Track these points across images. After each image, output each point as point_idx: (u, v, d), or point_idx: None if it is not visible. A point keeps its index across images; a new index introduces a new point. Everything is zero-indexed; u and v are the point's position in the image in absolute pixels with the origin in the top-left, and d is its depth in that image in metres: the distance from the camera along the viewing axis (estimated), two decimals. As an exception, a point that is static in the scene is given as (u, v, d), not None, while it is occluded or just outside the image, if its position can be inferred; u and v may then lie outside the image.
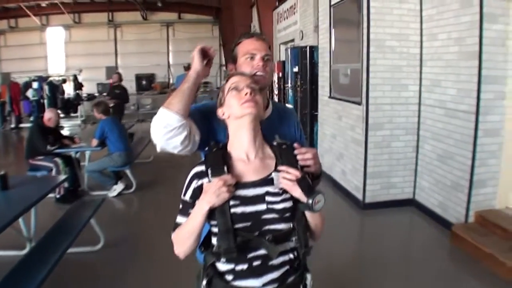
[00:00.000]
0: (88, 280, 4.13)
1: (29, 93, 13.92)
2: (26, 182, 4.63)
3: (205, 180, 1.58)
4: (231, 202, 1.52)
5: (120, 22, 31.66)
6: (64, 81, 15.60)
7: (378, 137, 5.50)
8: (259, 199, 1.56)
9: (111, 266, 4.39)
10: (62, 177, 5.79)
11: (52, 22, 30.58)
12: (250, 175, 1.59)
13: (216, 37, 32.43)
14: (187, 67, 12.86)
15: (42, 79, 14.30)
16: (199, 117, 1.79)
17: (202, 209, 1.50)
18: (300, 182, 1.53)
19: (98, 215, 4.73)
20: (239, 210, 1.52)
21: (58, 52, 31.28)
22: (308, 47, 7.78)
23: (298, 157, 1.64)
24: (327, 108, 7.06)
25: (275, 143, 1.69)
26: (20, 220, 4.63)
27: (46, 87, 14.09)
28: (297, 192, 1.53)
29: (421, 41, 5.27)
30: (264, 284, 1.54)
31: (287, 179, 1.54)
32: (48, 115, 6.56)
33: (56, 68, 28.36)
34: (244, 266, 1.54)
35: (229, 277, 1.56)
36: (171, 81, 32.54)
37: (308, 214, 1.60)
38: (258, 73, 1.80)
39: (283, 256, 1.58)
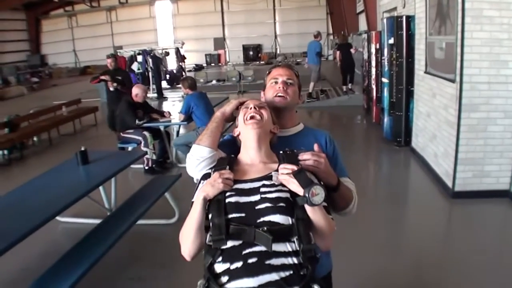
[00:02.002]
0: (160, 252, 4.27)
1: (134, 66, 14.61)
2: (107, 156, 4.87)
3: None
4: (227, 193, 1.55)
5: (226, -7, 32.22)
6: (167, 54, 16.15)
7: (473, 120, 4.93)
8: (254, 191, 1.57)
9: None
10: (145, 150, 6.07)
11: (161, -4, 31.97)
12: (251, 175, 1.65)
13: (323, 6, 31.93)
14: (316, 35, 12.90)
15: (146, 53, 14.91)
16: (228, 145, 1.97)
17: (198, 198, 1.55)
18: (296, 175, 1.52)
19: (180, 188, 4.85)
20: (233, 199, 1.54)
21: (166, 25, 32.77)
22: (404, 17, 7.21)
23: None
24: (422, 83, 6.54)
25: (281, 152, 1.74)
26: (102, 192, 4.91)
27: (150, 60, 14.68)
28: (294, 185, 1.51)
29: (526, 10, 4.57)
30: (261, 286, 1.41)
31: (283, 174, 1.55)
32: (135, 91, 6.80)
33: (165, 40, 29.71)
34: (239, 264, 1.44)
35: (224, 279, 1.46)
36: (278, 52, 32.68)
37: (309, 210, 1.51)
38: (279, 94, 1.94)
39: (284, 257, 1.46)
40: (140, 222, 4.15)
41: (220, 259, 1.48)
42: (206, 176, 1.69)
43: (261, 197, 1.54)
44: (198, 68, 22.58)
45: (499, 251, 4.11)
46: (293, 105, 2.02)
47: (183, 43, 17.15)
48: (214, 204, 1.54)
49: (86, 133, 10.78)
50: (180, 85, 16.02)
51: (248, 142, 1.75)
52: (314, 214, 1.52)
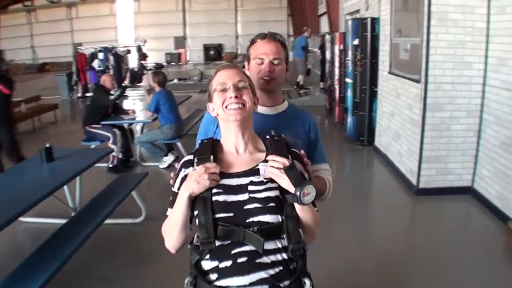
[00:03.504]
0: (127, 252, 4.20)
1: (95, 64, 14.41)
2: (72, 154, 4.73)
3: (190, 169, 1.54)
4: (214, 190, 1.46)
5: (188, -8, 32.05)
6: (128, 52, 15.93)
7: (437, 119, 5.08)
8: (241, 188, 1.49)
9: (150, 238, 4.41)
10: (112, 147, 5.95)
11: (122, -7, 31.51)
12: (237, 167, 1.55)
13: (284, 8, 32.21)
14: (304, 30, 13.36)
15: (107, 50, 14.69)
16: (209, 124, 1.98)
17: (183, 196, 1.46)
18: (288, 170, 1.44)
19: (146, 186, 4.76)
20: (220, 198, 1.46)
21: (127, 23, 32.27)
22: (369, 19, 7.35)
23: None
24: (387, 84, 6.68)
25: (268, 137, 1.64)
26: (66, 190, 4.77)
27: (111, 58, 14.47)
28: (285, 182, 1.44)
29: (488, 14, 4.70)
30: (252, 284, 1.40)
31: (274, 168, 1.47)
32: (102, 77, 6.99)
33: (125, 38, 29.25)
34: (228, 263, 1.42)
35: (213, 276, 1.44)
36: (239, 52, 32.70)
37: (298, 208, 1.48)
38: (265, 78, 1.86)
39: (274, 254, 1.44)
40: (106, 221, 4.03)
41: (207, 256, 1.45)
42: (187, 164, 1.57)
43: (249, 197, 1.47)
44: (158, 67, 22.24)
45: (461, 245, 4.27)
46: (280, 83, 1.95)
47: (145, 41, 16.92)
48: (200, 202, 1.46)
49: (46, 130, 10.45)
50: (140, 84, 15.98)
51: (231, 132, 1.58)
52: (303, 211, 1.49)
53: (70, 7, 31.42)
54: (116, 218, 4.56)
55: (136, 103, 13.24)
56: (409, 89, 5.57)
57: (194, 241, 1.49)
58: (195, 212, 1.48)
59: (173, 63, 29.56)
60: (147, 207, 4.81)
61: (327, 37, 11.63)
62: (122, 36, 30.88)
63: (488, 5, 4.69)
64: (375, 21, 7.25)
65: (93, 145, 6.47)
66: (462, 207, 5.06)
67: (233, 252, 1.42)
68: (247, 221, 1.43)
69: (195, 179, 1.43)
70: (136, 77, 15.55)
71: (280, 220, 1.46)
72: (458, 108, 5.03)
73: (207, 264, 1.46)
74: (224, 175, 1.49)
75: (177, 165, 1.66)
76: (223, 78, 1.58)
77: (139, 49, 16.23)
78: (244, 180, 1.50)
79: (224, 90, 1.56)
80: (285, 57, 1.94)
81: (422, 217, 5.07)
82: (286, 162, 1.46)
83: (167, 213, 1.58)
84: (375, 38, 7.27)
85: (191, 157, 1.59)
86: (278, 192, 1.48)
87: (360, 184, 6.28)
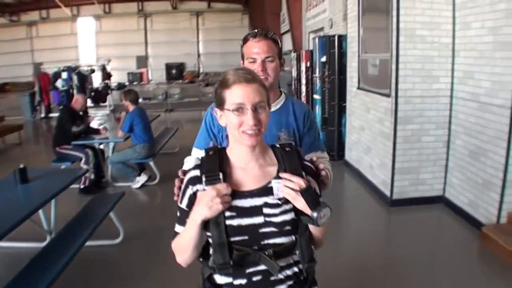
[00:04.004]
0: (106, 274, 4.10)
1: (59, 83, 14.15)
2: (46, 175, 4.60)
3: (200, 187, 1.46)
4: (227, 214, 1.41)
5: (150, 12, 31.98)
6: (92, 71, 15.73)
7: (408, 131, 5.27)
8: (256, 210, 1.43)
9: (130, 260, 4.38)
10: (85, 168, 5.84)
11: (83, 12, 31.12)
12: (248, 184, 1.47)
13: (245, 27, 32.39)
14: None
15: (71, 70, 14.48)
16: (216, 131, 2.02)
17: (195, 221, 1.40)
18: (304, 193, 1.39)
19: (120, 207, 4.70)
20: (235, 222, 1.41)
21: (89, 42, 31.86)
22: (336, 36, 7.56)
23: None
24: (355, 99, 6.86)
25: (277, 145, 1.56)
26: (41, 212, 4.64)
27: (75, 77, 14.27)
28: (301, 204, 1.40)
29: (454, 30, 4.98)
30: None
31: (289, 188, 1.40)
32: (75, 97, 6.89)
33: (87, 58, 28.83)
34: (243, 281, 1.43)
35: None
36: (201, 70, 32.76)
37: (311, 226, 1.46)
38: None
39: (287, 270, 1.46)
40: (83, 243, 3.94)
41: (222, 272, 1.45)
42: (194, 181, 1.48)
43: (265, 220, 1.43)
44: (120, 86, 22.01)
45: (437, 253, 4.39)
46: (275, 81, 1.96)
47: (109, 60, 16.75)
48: (213, 225, 1.40)
49: (11, 152, 10.16)
50: (104, 104, 15.79)
51: (242, 150, 1.49)
52: (317, 229, 1.48)
53: (30, 26, 30.71)
54: (93, 240, 4.46)
55: (101, 123, 13.07)
56: (379, 103, 5.75)
57: (210, 263, 1.47)
58: (208, 234, 1.45)
59: (135, 83, 29.32)
60: (124, 228, 4.74)
61: (292, 54, 11.82)
62: (83, 55, 30.41)
63: (453, 21, 4.96)
64: (342, 38, 7.46)
65: (63, 165, 6.35)
66: (435, 215, 5.23)
67: (247, 271, 1.43)
68: (262, 243, 1.42)
69: (206, 204, 1.36)
70: (101, 97, 15.34)
71: (294, 239, 1.46)
72: (428, 120, 5.23)
73: (220, 279, 1.47)
74: (235, 194, 1.43)
75: (180, 175, 1.63)
76: (241, 97, 1.42)
77: (103, 68, 16.06)
78: (257, 201, 1.44)
79: (241, 112, 1.43)
80: (277, 53, 1.96)
81: (397, 227, 5.19)
82: (302, 183, 1.40)
83: (176, 229, 1.54)
84: (342, 55, 7.47)
85: (197, 172, 1.48)
86: (293, 214, 1.44)
87: (334, 197, 6.32)
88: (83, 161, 6.28)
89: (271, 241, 1.42)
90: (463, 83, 4.92)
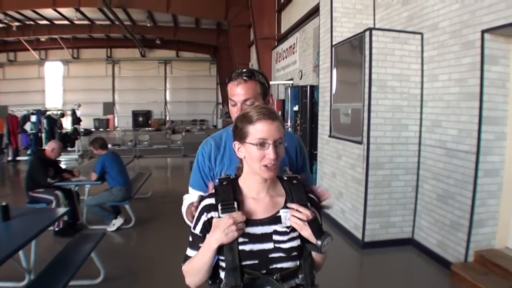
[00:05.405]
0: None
1: (27, 126, 13.95)
2: (27, 213, 4.61)
3: (214, 214, 1.59)
4: (240, 240, 1.54)
5: (118, 59, 32.28)
6: (62, 115, 15.63)
7: (379, 177, 5.53)
8: (266, 237, 1.58)
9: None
10: (62, 210, 5.81)
11: (51, 56, 31.18)
12: (259, 213, 1.61)
13: (213, 76, 33.00)
14: None
15: (40, 113, 14.34)
16: (207, 171, 2.05)
17: (211, 246, 1.53)
18: (311, 223, 1.54)
19: (97, 249, 4.70)
20: (247, 248, 1.55)
21: (56, 86, 31.68)
22: (308, 86, 7.94)
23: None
24: (327, 147, 7.11)
25: (285, 178, 1.71)
26: (20, 251, 4.60)
27: (44, 121, 14.11)
28: (307, 233, 1.55)
29: (422, 82, 5.39)
30: None
31: (297, 218, 1.56)
32: (52, 145, 6.67)
33: (53, 102, 28.58)
34: None
35: None
36: (167, 118, 32.90)
37: (314, 253, 1.63)
38: None
39: None
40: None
41: None
42: (209, 208, 1.60)
43: (274, 246, 1.57)
44: (86, 132, 21.90)
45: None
46: None
47: (79, 105, 16.72)
48: (227, 250, 1.53)
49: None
50: (73, 148, 15.63)
51: (256, 181, 1.64)
52: (318, 255, 1.64)
53: (-3, 68, 30.53)
54: (74, 280, 4.46)
55: (69, 168, 12.92)
56: (351, 150, 6.01)
57: (222, 286, 1.58)
58: (221, 257, 1.57)
59: (101, 129, 29.19)
60: (104, 267, 4.74)
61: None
62: (49, 99, 30.16)
63: (421, 74, 5.38)
64: (314, 88, 7.82)
65: (38, 207, 6.30)
66: (406, 257, 5.41)
67: None
68: (270, 267, 1.56)
69: (223, 231, 1.50)
70: (70, 141, 15.21)
71: (298, 264, 1.61)
72: (397, 166, 5.53)
73: None
74: (247, 222, 1.56)
75: (195, 204, 1.71)
76: (265, 133, 1.56)
77: (73, 112, 16.01)
78: (267, 229, 1.59)
79: (263, 146, 1.56)
80: (261, 93, 1.99)
81: (368, 269, 5.34)
82: (309, 214, 1.55)
83: (187, 253, 1.66)
84: (314, 104, 7.80)
85: (212, 201, 1.61)
86: (299, 241, 1.59)
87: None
88: (54, 203, 6.26)
89: (278, 265, 1.57)
90: (430, 131, 5.27)
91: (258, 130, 1.57)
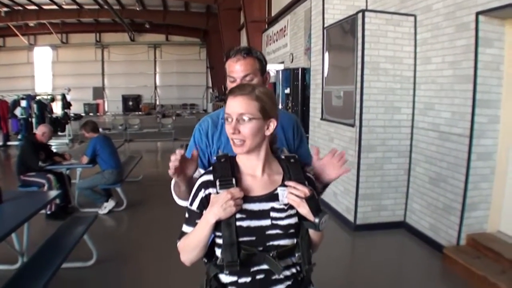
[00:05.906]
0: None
1: (17, 111, 13.78)
2: (19, 196, 4.59)
3: (212, 191, 1.59)
4: (237, 216, 1.53)
5: (107, 43, 32.05)
6: (52, 100, 15.47)
7: (371, 159, 5.53)
8: (264, 214, 1.57)
9: (104, 282, 4.36)
10: (54, 193, 5.78)
11: (40, 42, 30.87)
12: (257, 190, 1.61)
13: (203, 60, 32.85)
14: None
15: (30, 98, 14.17)
16: (203, 147, 2.04)
17: (209, 221, 1.52)
18: (309, 200, 1.53)
19: (89, 232, 4.69)
20: (244, 224, 1.54)
21: (45, 71, 31.38)
22: (300, 69, 7.90)
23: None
24: (319, 130, 7.10)
25: (283, 157, 1.71)
26: (13, 234, 4.57)
27: (34, 106, 13.96)
28: (305, 210, 1.54)
29: (415, 64, 5.36)
30: None
31: (294, 195, 1.55)
32: (42, 129, 6.61)
33: (43, 87, 28.32)
34: (247, 279, 1.56)
35: None
36: (157, 102, 32.75)
37: (311, 231, 1.61)
38: None
39: (287, 270, 1.59)
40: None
41: (227, 272, 1.56)
42: (207, 184, 1.61)
43: (272, 223, 1.56)
44: (77, 117, 21.74)
45: (397, 273, 4.63)
46: None
47: (69, 90, 16.54)
48: (225, 226, 1.52)
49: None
50: (63, 133, 15.52)
51: (251, 157, 1.64)
52: (316, 234, 1.62)
53: (-15, 54, 30.12)
54: (66, 262, 4.45)
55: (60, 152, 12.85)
56: (343, 133, 6.00)
57: (218, 262, 1.56)
58: (218, 233, 1.55)
59: (91, 114, 29.01)
60: (97, 250, 4.74)
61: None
62: (39, 85, 29.88)
63: (414, 56, 5.35)
64: (305, 71, 7.78)
65: (30, 190, 6.27)
66: (398, 240, 5.44)
67: (252, 270, 1.55)
68: (267, 244, 1.55)
69: (221, 206, 1.49)
70: (60, 126, 15.09)
71: (295, 242, 1.59)
72: (390, 149, 5.53)
73: (225, 278, 1.58)
74: (245, 198, 1.55)
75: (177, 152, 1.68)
76: (228, 107, 1.59)
77: (63, 97, 15.85)
78: (265, 206, 1.58)
79: (228, 122, 1.59)
80: (259, 69, 1.98)
81: (361, 251, 5.36)
82: (307, 191, 1.54)
83: (183, 229, 1.65)
84: (305, 87, 7.77)
85: (210, 177, 1.61)
86: (297, 219, 1.58)
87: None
88: (45, 187, 6.23)
89: (275, 242, 1.55)
90: (423, 114, 5.25)
91: (227, 105, 1.60)
